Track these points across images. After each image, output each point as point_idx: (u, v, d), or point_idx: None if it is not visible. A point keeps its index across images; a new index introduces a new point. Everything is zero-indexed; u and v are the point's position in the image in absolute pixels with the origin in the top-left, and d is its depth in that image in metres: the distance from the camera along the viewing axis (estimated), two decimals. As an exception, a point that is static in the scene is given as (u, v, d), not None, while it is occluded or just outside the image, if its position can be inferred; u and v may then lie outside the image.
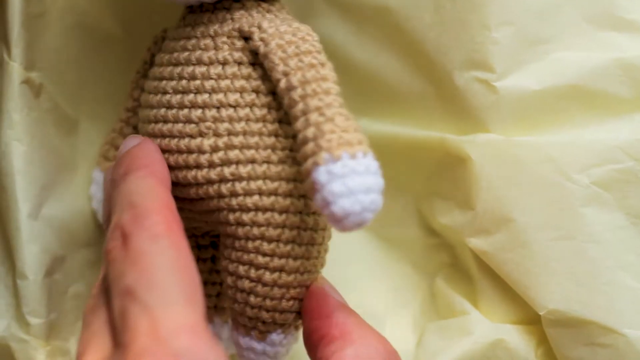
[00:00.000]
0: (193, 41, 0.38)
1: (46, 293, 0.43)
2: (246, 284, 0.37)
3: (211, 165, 0.37)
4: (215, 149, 0.36)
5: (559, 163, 0.42)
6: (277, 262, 0.37)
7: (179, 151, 0.37)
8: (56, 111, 0.45)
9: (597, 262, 0.41)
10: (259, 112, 0.37)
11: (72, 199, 0.45)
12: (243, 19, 0.38)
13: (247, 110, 0.37)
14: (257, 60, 0.37)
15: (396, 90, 0.46)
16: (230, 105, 0.37)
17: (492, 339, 0.43)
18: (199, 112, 0.37)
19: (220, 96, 0.37)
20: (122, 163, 0.36)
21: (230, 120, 0.36)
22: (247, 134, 0.36)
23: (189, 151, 0.37)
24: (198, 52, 0.37)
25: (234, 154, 0.36)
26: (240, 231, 0.37)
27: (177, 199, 0.36)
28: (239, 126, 0.36)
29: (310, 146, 0.33)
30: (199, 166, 0.37)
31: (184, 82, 0.37)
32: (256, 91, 0.37)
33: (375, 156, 0.33)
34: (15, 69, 0.43)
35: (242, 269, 0.37)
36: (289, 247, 0.37)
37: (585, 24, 0.43)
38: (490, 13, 0.43)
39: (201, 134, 0.37)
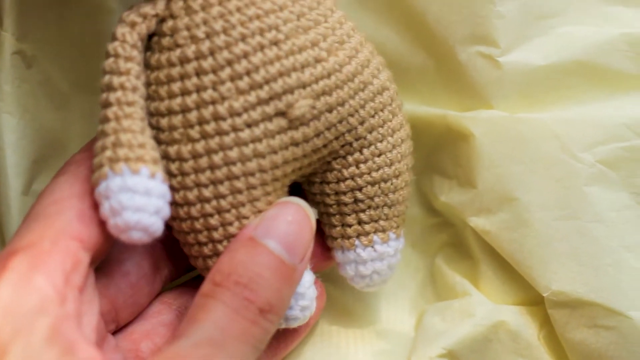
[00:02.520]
0: None
1: (37, 270, 0.43)
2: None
3: None
4: None
5: (563, 140, 0.41)
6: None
7: None
8: (48, 84, 0.44)
9: (602, 242, 0.41)
10: None
11: (64, 175, 0.45)
12: None
13: None
14: None
15: (396, 64, 0.44)
16: None
17: (494, 320, 0.42)
18: None
19: None
20: None
21: None
22: None
23: None
24: None
25: None
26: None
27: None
28: None
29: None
30: None
31: None
32: None
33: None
34: (7, 39, 0.42)
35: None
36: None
37: (592, -2, 0.43)
38: (495, -15, 0.42)
39: None
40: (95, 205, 0.34)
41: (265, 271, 0.35)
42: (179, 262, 0.41)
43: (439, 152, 0.46)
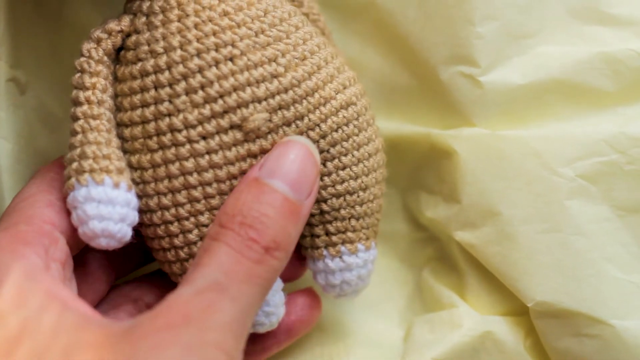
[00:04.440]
0: None
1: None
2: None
3: None
4: None
5: (544, 157, 0.42)
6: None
7: None
8: (42, 109, 0.44)
9: (583, 254, 0.41)
10: None
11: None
12: None
13: None
14: None
15: (381, 85, 0.46)
16: None
17: (481, 331, 0.43)
18: None
19: None
20: None
21: None
22: None
23: None
24: None
25: None
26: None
27: None
28: None
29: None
30: None
31: None
32: None
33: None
34: (2, 67, 0.42)
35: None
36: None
37: (569, 18, 0.43)
38: (474, 8, 0.43)
39: None
40: (64, 198, 0.36)
41: (270, 210, 0.35)
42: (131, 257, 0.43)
43: (424, 169, 0.46)
